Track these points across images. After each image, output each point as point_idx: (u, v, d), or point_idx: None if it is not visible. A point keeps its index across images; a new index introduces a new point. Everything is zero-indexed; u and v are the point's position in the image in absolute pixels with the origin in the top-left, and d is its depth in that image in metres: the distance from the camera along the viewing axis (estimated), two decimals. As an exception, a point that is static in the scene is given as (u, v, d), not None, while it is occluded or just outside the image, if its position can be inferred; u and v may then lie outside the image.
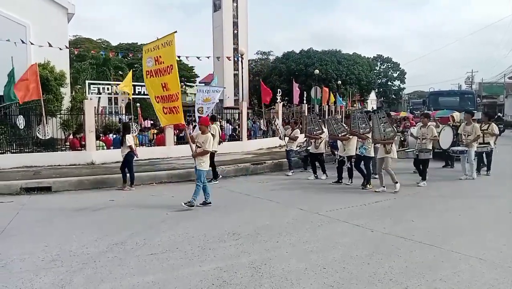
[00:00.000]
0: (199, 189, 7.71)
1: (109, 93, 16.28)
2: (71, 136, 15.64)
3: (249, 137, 17.82)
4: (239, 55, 23.95)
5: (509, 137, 26.22)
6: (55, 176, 10.53)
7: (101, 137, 14.55)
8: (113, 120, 19.23)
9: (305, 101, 25.43)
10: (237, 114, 19.49)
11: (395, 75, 75.97)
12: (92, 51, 22.19)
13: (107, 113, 21.62)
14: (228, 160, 13.52)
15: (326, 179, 10.88)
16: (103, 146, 14.03)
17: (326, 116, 16.64)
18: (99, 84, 16.66)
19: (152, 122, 19.04)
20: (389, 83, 75.86)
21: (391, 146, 8.96)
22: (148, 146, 14.96)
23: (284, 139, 12.89)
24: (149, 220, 6.80)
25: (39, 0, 18.96)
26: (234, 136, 18.13)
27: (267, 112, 21.50)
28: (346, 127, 10.36)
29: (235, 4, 45.22)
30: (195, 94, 62.49)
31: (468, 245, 5.28)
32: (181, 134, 15.37)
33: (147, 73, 8.67)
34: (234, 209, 7.76)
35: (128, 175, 9.90)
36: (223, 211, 7.65)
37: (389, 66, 75.43)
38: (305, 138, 12.78)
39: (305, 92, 26.03)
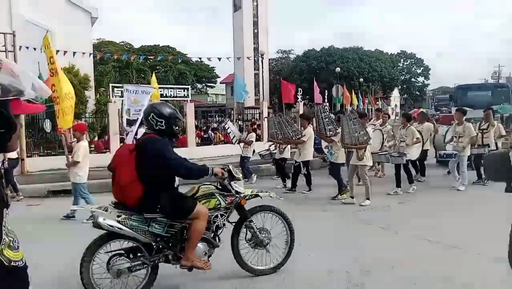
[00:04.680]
0: (87, 200, 7.27)
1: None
2: (95, 139, 15.97)
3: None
4: (260, 55, 23.93)
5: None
6: (80, 178, 10.72)
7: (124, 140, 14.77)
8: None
9: (326, 100, 25.23)
10: (257, 115, 19.46)
11: (418, 71, 74.53)
12: (115, 55, 22.60)
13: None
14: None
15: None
16: (125, 148, 14.25)
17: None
18: (122, 87, 17.03)
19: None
20: (413, 79, 74.42)
21: (364, 151, 7.82)
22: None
23: (239, 144, 11.45)
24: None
25: (64, 5, 19.42)
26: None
27: (289, 112, 21.40)
28: (300, 129, 9.49)
29: (255, 4, 45.18)
30: (216, 94, 61.98)
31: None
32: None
33: (50, 72, 8.04)
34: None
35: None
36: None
37: (413, 62, 74.05)
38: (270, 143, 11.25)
39: (326, 91, 25.81)
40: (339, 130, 8.31)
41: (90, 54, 17.64)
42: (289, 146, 10.21)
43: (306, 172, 9.24)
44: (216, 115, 43.24)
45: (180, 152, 12.44)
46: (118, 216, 3.79)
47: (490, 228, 5.39)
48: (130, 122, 10.64)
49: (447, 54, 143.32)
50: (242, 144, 11.25)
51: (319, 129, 8.80)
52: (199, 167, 4.04)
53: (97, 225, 3.76)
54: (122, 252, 3.89)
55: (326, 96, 25.44)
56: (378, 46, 75.17)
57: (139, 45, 50.88)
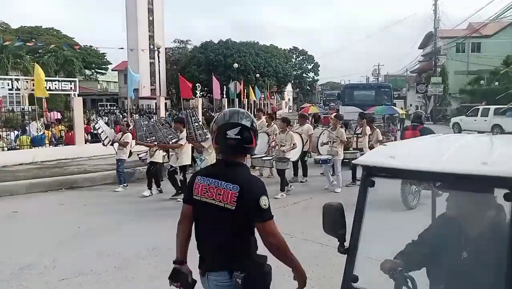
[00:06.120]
0: None
1: (9, 89, 14.63)
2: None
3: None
4: (156, 48, 23.04)
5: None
6: None
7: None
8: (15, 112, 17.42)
9: (225, 95, 25.35)
10: (154, 105, 18.81)
11: (309, 67, 79.01)
12: (-14, 38, 19.85)
13: (7, 104, 19.78)
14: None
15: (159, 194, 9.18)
16: (2, 146, 12.65)
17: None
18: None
19: (59, 116, 17.46)
20: (304, 75, 78.72)
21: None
22: (55, 145, 13.78)
23: (112, 146, 10.13)
24: (59, 236, 6.30)
25: None
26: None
27: (187, 104, 21.04)
28: (177, 133, 8.85)
29: (150, -10, 43.28)
30: (107, 82, 58.08)
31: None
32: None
33: None
34: (151, 219, 7.35)
35: None
36: (140, 221, 7.26)
37: (304, 58, 78.21)
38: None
39: (224, 86, 25.95)
40: (209, 135, 8.13)
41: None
42: (161, 150, 9.37)
43: (182, 178, 8.59)
44: (108, 104, 40.82)
45: (66, 150, 11.41)
46: None
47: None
48: None
49: (334, 51, 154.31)
50: (116, 145, 9.99)
51: (189, 134, 8.26)
52: None
53: None
54: None
55: (225, 91, 25.54)
56: (272, 41, 77.91)
57: (18, 26, 45.59)
